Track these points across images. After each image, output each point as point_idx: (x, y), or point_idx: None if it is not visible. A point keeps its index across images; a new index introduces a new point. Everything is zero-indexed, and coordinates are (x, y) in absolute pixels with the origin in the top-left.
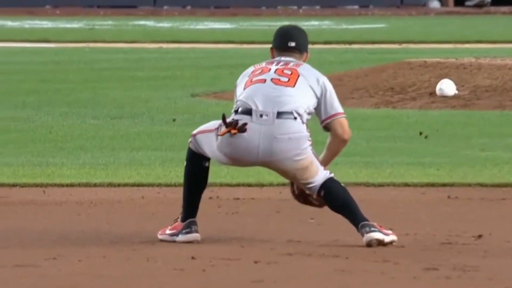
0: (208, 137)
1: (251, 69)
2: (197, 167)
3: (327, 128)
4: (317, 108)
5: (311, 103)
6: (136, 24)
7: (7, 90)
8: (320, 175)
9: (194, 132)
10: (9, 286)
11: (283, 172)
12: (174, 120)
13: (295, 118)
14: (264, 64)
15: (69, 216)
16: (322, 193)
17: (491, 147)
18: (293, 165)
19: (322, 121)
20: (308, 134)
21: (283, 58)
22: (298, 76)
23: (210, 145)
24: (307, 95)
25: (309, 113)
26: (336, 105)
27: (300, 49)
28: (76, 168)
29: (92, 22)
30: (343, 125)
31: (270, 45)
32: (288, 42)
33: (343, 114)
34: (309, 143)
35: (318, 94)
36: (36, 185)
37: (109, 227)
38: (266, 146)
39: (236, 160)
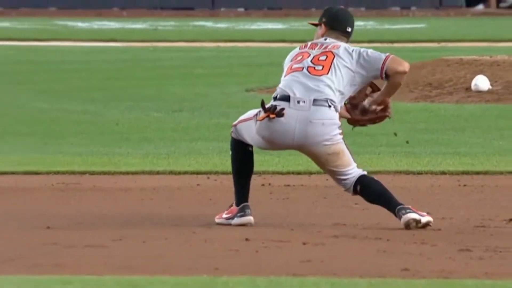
0: (248, 124)
1: (295, 51)
2: (241, 153)
3: (387, 76)
4: (367, 72)
5: (347, 81)
6: (196, 24)
7: (77, 86)
8: (354, 170)
9: (235, 123)
10: (80, 265)
11: (315, 157)
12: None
13: (329, 106)
14: (308, 45)
15: (134, 201)
16: (358, 188)
17: None
18: (324, 150)
19: (380, 76)
20: (339, 123)
21: (328, 40)
22: (333, 58)
23: (250, 132)
24: (342, 76)
25: (343, 97)
26: (378, 56)
27: (351, 35)
28: (140, 157)
29: (156, 23)
30: (396, 60)
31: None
32: (346, 27)
33: (389, 55)
34: (339, 131)
35: (354, 67)
36: (104, 173)
37: (170, 211)
38: (301, 130)
39: (273, 143)
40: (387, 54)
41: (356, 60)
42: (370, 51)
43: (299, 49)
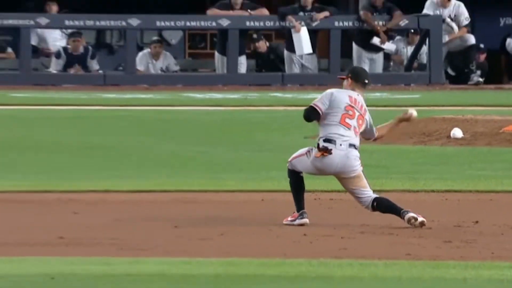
0: (301, 159)
1: (345, 99)
2: (296, 178)
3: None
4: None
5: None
6: (271, 95)
7: (194, 135)
8: (370, 192)
9: (289, 159)
10: (196, 252)
11: (345, 180)
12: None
13: (356, 148)
14: (353, 99)
15: (231, 209)
16: (375, 204)
17: (484, 168)
18: (351, 175)
19: (373, 139)
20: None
21: (360, 97)
22: (363, 122)
23: (302, 164)
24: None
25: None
26: (373, 132)
27: (367, 85)
28: (236, 180)
29: (246, 94)
30: (378, 137)
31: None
32: (365, 80)
33: (376, 133)
34: (360, 163)
35: (363, 129)
36: (212, 191)
37: (255, 216)
38: (342, 163)
39: (322, 171)
40: (376, 130)
41: (369, 124)
42: (372, 125)
43: (349, 100)
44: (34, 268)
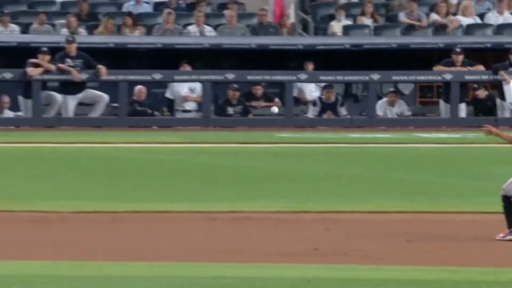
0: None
1: None
2: (509, 202)
3: None
4: None
5: None
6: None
7: (422, 167)
8: None
9: (503, 186)
10: (424, 261)
11: None
12: None
13: None
14: None
15: (449, 227)
16: None
17: None
18: None
19: None
20: None
21: None
22: None
23: None
24: None
25: None
26: None
27: None
28: (454, 203)
29: (465, 134)
30: None
31: None
32: None
33: None
34: None
35: None
36: (433, 212)
37: (472, 233)
38: None
39: None
40: None
41: None
42: None
43: None
44: (292, 272)
